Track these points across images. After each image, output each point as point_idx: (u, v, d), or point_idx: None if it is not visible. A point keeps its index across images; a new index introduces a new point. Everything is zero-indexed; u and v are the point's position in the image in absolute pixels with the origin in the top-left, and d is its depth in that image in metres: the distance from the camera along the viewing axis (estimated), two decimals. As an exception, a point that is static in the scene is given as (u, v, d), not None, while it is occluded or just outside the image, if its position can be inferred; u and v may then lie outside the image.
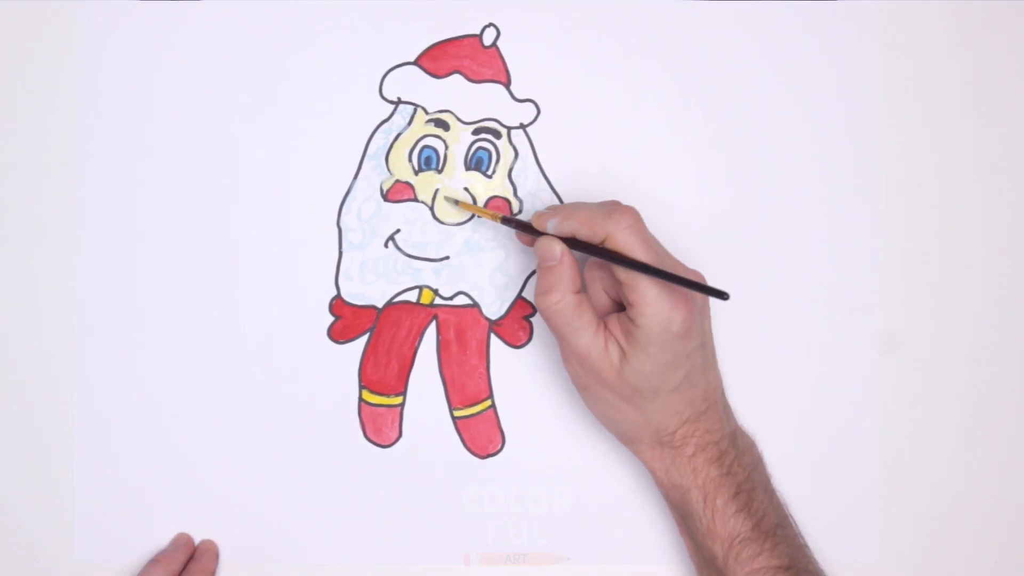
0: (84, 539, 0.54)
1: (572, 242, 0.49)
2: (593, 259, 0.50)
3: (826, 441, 0.55)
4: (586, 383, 0.50)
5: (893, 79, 0.56)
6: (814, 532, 0.51)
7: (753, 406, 0.54)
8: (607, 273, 0.50)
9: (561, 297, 0.48)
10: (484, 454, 0.55)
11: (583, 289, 0.50)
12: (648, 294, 0.46)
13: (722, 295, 0.44)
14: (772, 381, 0.55)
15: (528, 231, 0.50)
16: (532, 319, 0.55)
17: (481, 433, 0.55)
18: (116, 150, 0.55)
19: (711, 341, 0.51)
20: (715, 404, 0.50)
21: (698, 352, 0.49)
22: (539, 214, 0.50)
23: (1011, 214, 0.56)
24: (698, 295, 0.48)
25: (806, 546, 0.50)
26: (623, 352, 0.48)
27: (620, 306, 0.50)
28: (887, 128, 0.56)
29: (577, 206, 0.49)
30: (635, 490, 0.55)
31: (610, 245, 0.47)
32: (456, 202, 0.54)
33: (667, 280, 0.46)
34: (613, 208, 0.48)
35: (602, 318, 0.49)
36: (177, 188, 0.55)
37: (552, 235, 0.49)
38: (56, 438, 0.54)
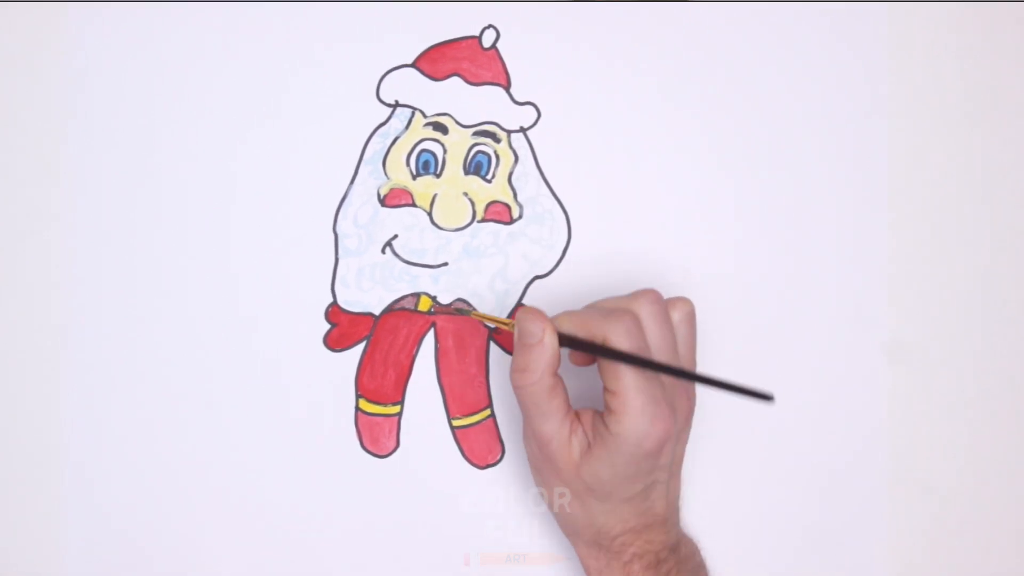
0: (76, 552, 0.54)
1: (567, 340, 0.46)
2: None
3: (833, 453, 0.55)
4: (540, 467, 0.49)
5: (900, 84, 0.55)
6: (821, 546, 0.51)
7: (759, 416, 0.53)
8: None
9: (538, 379, 0.46)
10: (483, 464, 0.54)
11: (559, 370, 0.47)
12: (632, 405, 0.45)
13: (767, 398, 0.42)
14: (779, 390, 0.54)
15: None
16: (532, 327, 0.54)
17: (480, 443, 0.54)
18: (111, 155, 0.54)
19: (681, 460, 0.49)
20: (665, 520, 0.49)
21: (664, 470, 0.47)
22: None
23: (1019, 221, 0.55)
24: (681, 413, 0.47)
25: None
26: (587, 449, 0.46)
27: None
28: (894, 134, 0.55)
29: (575, 312, 0.47)
30: (637, 501, 0.54)
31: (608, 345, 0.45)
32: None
33: (684, 378, 0.43)
34: (610, 311, 0.46)
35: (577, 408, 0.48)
36: (172, 193, 0.54)
37: (538, 311, 0.47)
38: (47, 449, 0.54)
